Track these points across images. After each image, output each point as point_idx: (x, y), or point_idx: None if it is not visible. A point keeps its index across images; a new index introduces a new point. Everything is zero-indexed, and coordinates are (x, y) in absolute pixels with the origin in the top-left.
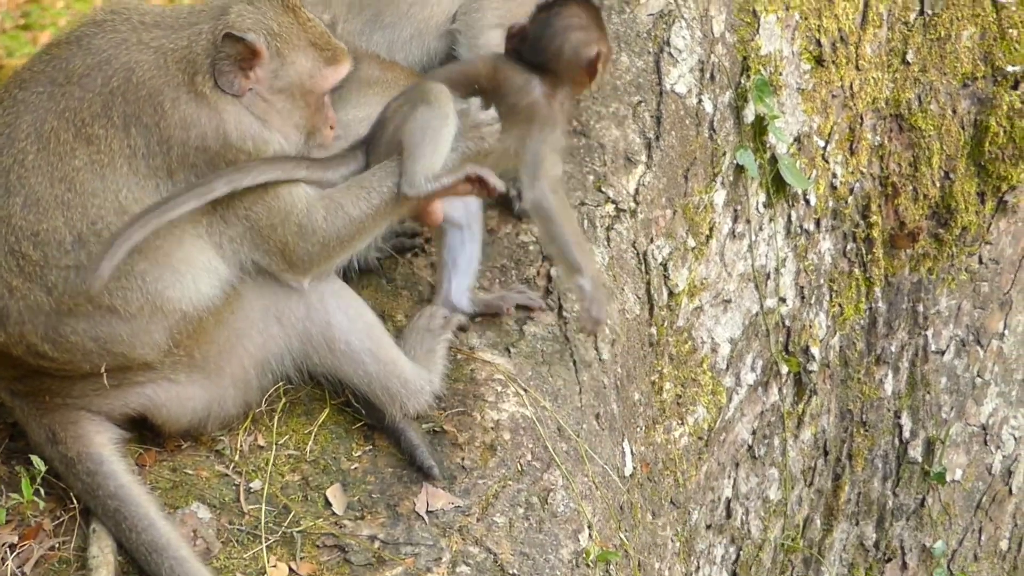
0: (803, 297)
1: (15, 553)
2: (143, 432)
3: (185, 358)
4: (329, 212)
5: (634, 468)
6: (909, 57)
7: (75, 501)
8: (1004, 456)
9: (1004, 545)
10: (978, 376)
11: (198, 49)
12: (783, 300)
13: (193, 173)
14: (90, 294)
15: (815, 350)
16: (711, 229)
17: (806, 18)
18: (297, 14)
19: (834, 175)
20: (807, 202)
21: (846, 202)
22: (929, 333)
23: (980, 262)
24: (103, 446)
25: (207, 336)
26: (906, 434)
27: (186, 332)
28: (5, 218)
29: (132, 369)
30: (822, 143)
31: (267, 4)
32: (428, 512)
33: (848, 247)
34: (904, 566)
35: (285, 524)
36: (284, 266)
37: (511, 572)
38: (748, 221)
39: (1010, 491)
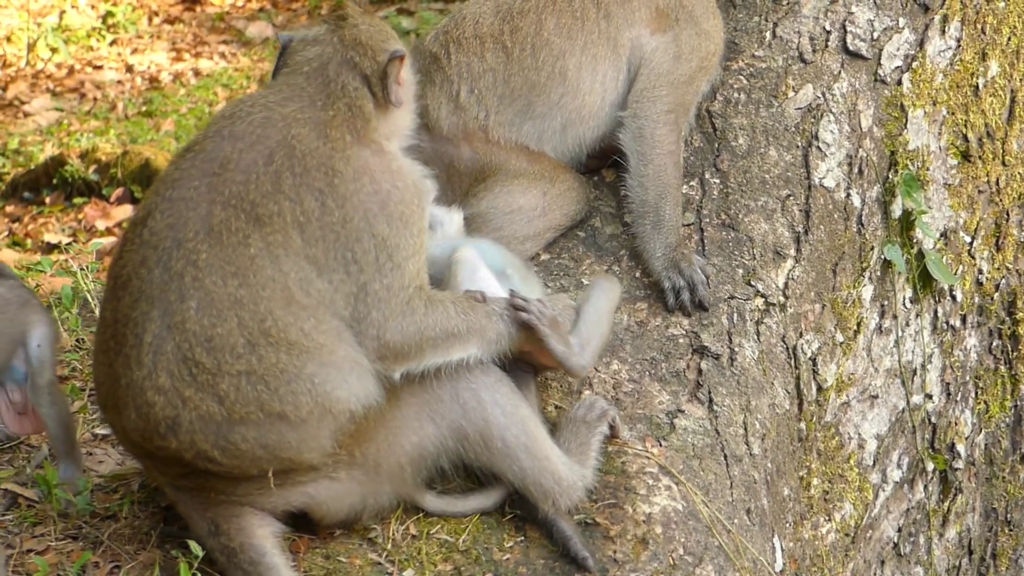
0: (949, 394)
1: None
2: (296, 518)
3: (346, 457)
4: (431, 307)
5: (784, 564)
6: None
7: None
8: None
9: None
10: None
11: (351, 91)
12: (929, 396)
13: (366, 219)
14: (260, 401)
15: (961, 447)
16: (859, 324)
17: (953, 113)
18: None
19: (980, 271)
20: (953, 298)
21: (992, 298)
22: None
23: None
24: (265, 539)
25: (367, 435)
26: None
27: (349, 433)
28: (179, 324)
29: (297, 471)
30: (968, 238)
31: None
32: None
33: (994, 344)
34: None
35: None
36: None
37: None
38: (895, 316)
39: None
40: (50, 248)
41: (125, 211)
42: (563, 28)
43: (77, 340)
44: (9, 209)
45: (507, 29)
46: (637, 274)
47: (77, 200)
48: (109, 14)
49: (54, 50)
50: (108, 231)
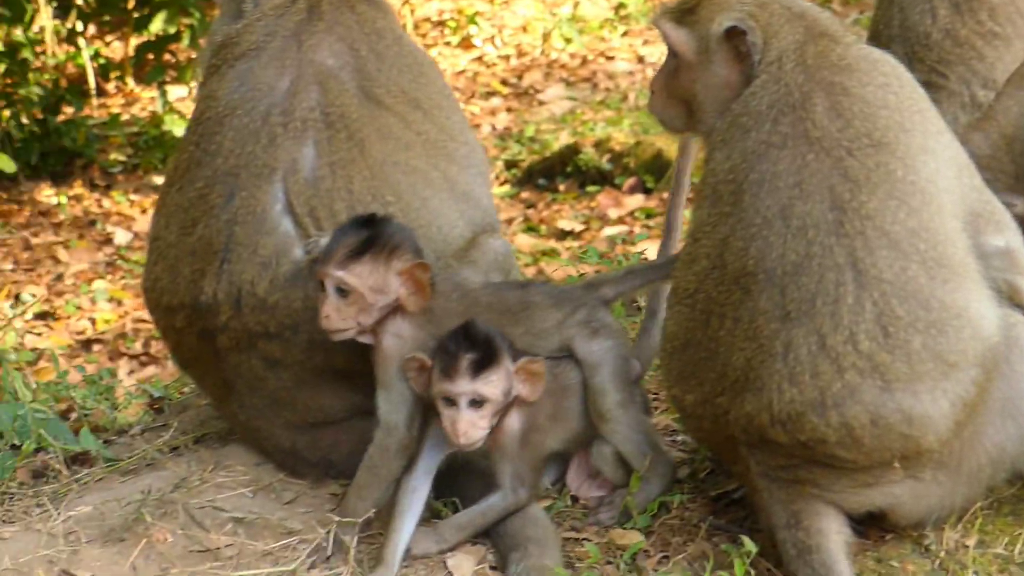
0: None
1: None
2: None
3: (936, 455)
4: None
5: None
6: None
7: None
8: None
9: None
10: None
11: None
12: None
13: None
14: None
15: None
16: None
17: None
18: None
19: None
20: None
21: None
22: None
23: None
24: (840, 546)
25: (955, 431)
26: None
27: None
28: (875, 278)
29: (908, 459)
30: None
31: None
32: None
33: None
34: None
35: None
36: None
37: None
38: None
39: None
40: (563, 235)
41: (637, 200)
42: None
43: None
44: (524, 195)
45: None
46: None
47: (590, 188)
48: (621, 5)
49: (568, 40)
50: (620, 220)
